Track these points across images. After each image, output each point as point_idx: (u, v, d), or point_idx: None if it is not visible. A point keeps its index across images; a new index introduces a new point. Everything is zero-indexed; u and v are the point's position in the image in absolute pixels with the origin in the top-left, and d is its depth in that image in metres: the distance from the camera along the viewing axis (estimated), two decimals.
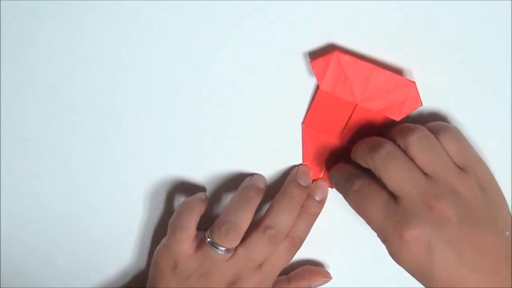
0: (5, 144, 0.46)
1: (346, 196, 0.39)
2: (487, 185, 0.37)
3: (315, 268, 0.46)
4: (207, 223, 0.42)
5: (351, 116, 0.40)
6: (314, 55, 0.39)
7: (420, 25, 0.37)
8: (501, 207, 0.37)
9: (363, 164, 0.38)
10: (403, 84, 0.38)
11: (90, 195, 0.47)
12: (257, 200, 0.41)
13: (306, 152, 0.42)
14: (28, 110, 0.44)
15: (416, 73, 0.38)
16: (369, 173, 0.38)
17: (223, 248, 0.41)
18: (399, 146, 0.37)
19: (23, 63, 0.43)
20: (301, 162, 0.43)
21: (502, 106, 0.38)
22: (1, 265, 0.50)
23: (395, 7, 0.37)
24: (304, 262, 0.47)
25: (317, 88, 0.40)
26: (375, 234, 0.37)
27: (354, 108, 0.39)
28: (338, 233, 0.45)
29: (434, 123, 0.38)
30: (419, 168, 0.36)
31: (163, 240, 0.43)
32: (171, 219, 0.42)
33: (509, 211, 0.37)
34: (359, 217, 0.38)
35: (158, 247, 0.44)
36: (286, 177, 0.43)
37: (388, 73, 0.38)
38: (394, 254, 0.36)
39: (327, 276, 0.46)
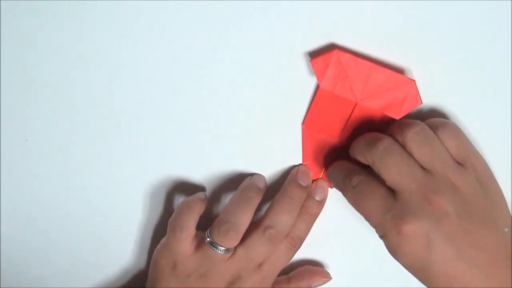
0: (5, 144, 0.46)
1: (344, 192, 0.39)
2: (486, 181, 0.37)
3: (315, 268, 0.46)
4: (207, 223, 0.42)
5: (351, 114, 0.40)
6: (314, 54, 0.39)
7: (420, 25, 0.37)
8: (500, 203, 0.37)
9: (362, 160, 0.38)
10: (403, 83, 0.38)
11: (90, 195, 0.47)
12: (257, 200, 0.41)
13: (306, 152, 0.42)
14: (28, 110, 0.44)
15: (416, 73, 0.38)
16: (367, 170, 0.38)
17: (223, 248, 0.41)
18: (397, 141, 0.37)
19: (23, 63, 0.43)
20: (301, 162, 0.43)
21: (501, 105, 0.38)
22: (1, 265, 0.50)
23: (395, 7, 0.37)
24: (304, 262, 0.47)
25: (317, 87, 0.40)
26: (375, 234, 0.37)
27: (354, 107, 0.39)
28: (338, 233, 0.45)
29: (433, 119, 0.38)
30: (418, 163, 0.36)
31: (163, 240, 0.43)
32: (170, 219, 0.42)
33: (508, 207, 0.37)
34: (359, 217, 0.38)
35: (158, 246, 0.44)
36: (286, 177, 0.43)
37: (388, 71, 0.38)
38: (392, 249, 0.36)
39: (327, 276, 0.46)
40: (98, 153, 0.45)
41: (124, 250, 0.49)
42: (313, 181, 0.43)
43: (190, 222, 0.42)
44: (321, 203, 0.43)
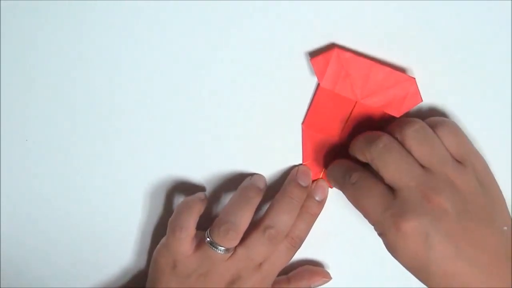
0: (5, 144, 0.46)
1: (343, 190, 0.39)
2: (485, 180, 0.37)
3: (314, 268, 0.46)
4: (207, 223, 0.42)
5: (351, 113, 0.40)
6: (314, 54, 0.39)
7: (420, 25, 0.37)
8: (498, 201, 0.37)
9: (361, 158, 0.38)
10: (403, 80, 0.38)
11: (90, 195, 0.47)
12: (256, 200, 0.41)
13: (306, 152, 0.42)
14: (28, 110, 0.44)
15: (416, 73, 0.38)
16: (367, 168, 0.38)
17: (223, 248, 0.41)
18: (396, 139, 0.37)
19: (23, 63, 0.43)
20: (301, 162, 0.43)
21: (501, 104, 0.38)
22: (1, 265, 0.50)
23: (395, 7, 0.37)
24: (304, 262, 0.47)
25: (317, 87, 0.40)
26: (375, 234, 0.37)
27: (354, 105, 0.39)
28: (338, 233, 0.45)
29: (432, 118, 0.38)
30: (417, 161, 0.36)
31: (163, 240, 0.43)
32: (170, 219, 0.42)
33: (507, 206, 0.38)
34: (359, 217, 0.38)
35: (158, 246, 0.44)
36: (286, 177, 0.43)
37: (388, 69, 0.38)
38: (391, 247, 0.36)
39: (326, 276, 0.46)
40: (98, 153, 0.45)
41: (124, 250, 0.49)
42: (313, 181, 0.43)
43: (190, 222, 0.42)
44: (321, 203, 0.43)
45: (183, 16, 0.39)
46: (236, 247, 0.42)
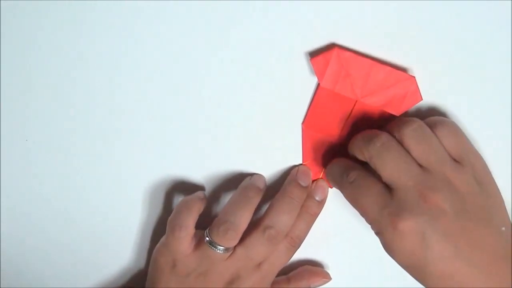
0: (5, 144, 0.46)
1: (341, 188, 0.39)
2: (483, 179, 0.37)
3: (314, 268, 0.46)
4: (206, 222, 0.42)
5: (351, 112, 0.40)
6: (314, 53, 0.39)
7: (420, 25, 0.37)
8: (497, 201, 0.37)
9: (359, 156, 0.38)
10: (403, 79, 0.38)
11: (90, 195, 0.47)
12: (256, 200, 0.41)
13: (306, 152, 0.42)
14: (28, 110, 0.44)
15: (416, 72, 0.38)
16: (365, 166, 0.38)
17: (222, 248, 0.41)
18: (395, 138, 0.37)
19: (23, 63, 0.43)
20: (301, 162, 0.43)
21: (501, 104, 0.38)
22: (1, 265, 0.50)
23: (395, 7, 0.37)
24: (304, 262, 0.47)
25: (317, 86, 0.40)
26: (374, 234, 0.37)
27: (354, 105, 0.39)
28: (337, 233, 0.45)
29: (431, 117, 0.38)
30: (415, 160, 0.36)
31: (162, 239, 0.43)
32: (170, 218, 0.42)
33: (505, 207, 0.37)
34: (358, 217, 0.38)
35: (157, 245, 0.44)
36: (286, 177, 0.43)
37: (388, 68, 0.38)
38: (388, 246, 0.36)
39: (326, 277, 0.46)
40: (98, 153, 0.45)
41: (124, 250, 0.49)
42: (313, 181, 0.43)
43: (189, 221, 0.42)
44: (321, 203, 0.43)
45: (183, 16, 0.39)
46: (235, 246, 0.42)
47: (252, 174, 0.44)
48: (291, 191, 0.42)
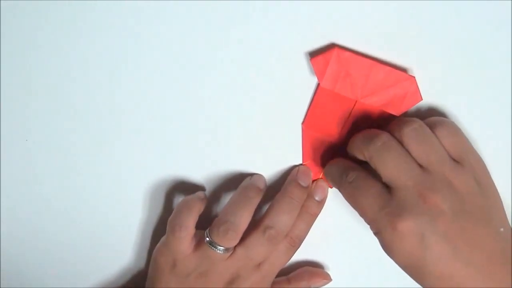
0: (5, 144, 0.46)
1: (340, 188, 0.39)
2: (482, 180, 0.37)
3: (314, 269, 0.46)
4: (206, 223, 0.42)
5: (351, 112, 0.40)
6: (314, 53, 0.39)
7: (420, 25, 0.37)
8: (496, 202, 0.37)
9: (359, 156, 0.38)
10: (403, 79, 0.38)
11: (90, 195, 0.47)
12: (256, 200, 0.41)
13: (306, 152, 0.42)
14: (28, 110, 0.44)
15: (416, 72, 0.38)
16: (364, 167, 0.38)
17: (222, 248, 0.41)
18: (395, 138, 0.37)
19: (23, 63, 0.43)
20: (301, 162, 0.43)
21: (501, 104, 0.38)
22: (1, 265, 0.50)
23: (395, 7, 0.37)
24: (304, 263, 0.47)
25: (317, 86, 0.40)
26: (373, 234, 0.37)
27: (354, 105, 0.39)
28: (338, 233, 0.45)
29: (431, 118, 0.38)
30: (415, 160, 0.36)
31: (163, 239, 0.43)
32: (170, 218, 0.42)
33: (503, 207, 0.37)
34: (358, 217, 0.38)
35: (157, 245, 0.44)
36: (286, 177, 0.43)
37: (388, 68, 0.38)
38: (387, 246, 0.36)
39: (326, 278, 0.46)
40: (98, 153, 0.45)
41: (124, 250, 0.49)
42: (313, 181, 0.43)
43: (190, 221, 0.42)
44: (321, 203, 0.43)
45: (183, 16, 0.39)
46: (235, 246, 0.42)
47: (252, 174, 0.44)
48: (291, 191, 0.42)
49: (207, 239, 0.41)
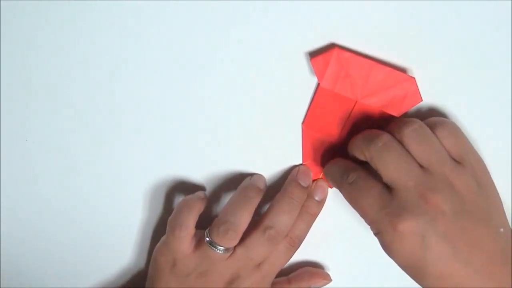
0: (5, 144, 0.46)
1: (341, 189, 0.39)
2: (483, 180, 0.37)
3: (314, 269, 0.46)
4: (206, 223, 0.42)
5: (351, 113, 0.40)
6: (314, 54, 0.39)
7: (420, 25, 0.37)
8: (495, 202, 0.37)
9: (360, 156, 0.38)
10: (403, 80, 0.38)
11: (90, 195, 0.47)
12: (256, 200, 0.41)
13: (306, 152, 0.42)
14: (28, 110, 0.44)
15: (416, 73, 0.38)
16: (365, 166, 0.38)
17: (222, 248, 0.41)
18: (395, 139, 0.37)
19: (23, 63, 0.43)
20: (301, 162, 0.43)
21: (501, 104, 0.38)
22: (1, 265, 0.50)
23: (395, 7, 0.37)
24: (305, 264, 0.47)
25: (317, 86, 0.40)
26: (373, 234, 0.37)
27: (354, 105, 0.39)
28: (338, 233, 0.45)
29: (431, 118, 0.38)
30: (416, 160, 0.36)
31: (163, 238, 0.43)
32: (170, 217, 0.42)
33: (503, 207, 0.37)
34: (358, 217, 0.38)
35: (157, 245, 0.44)
36: (286, 177, 0.43)
37: (388, 69, 0.38)
38: (387, 246, 0.36)
39: (327, 278, 0.46)
40: (98, 153, 0.45)
41: (124, 250, 0.49)
42: (313, 181, 0.43)
43: (190, 221, 0.42)
44: (321, 203, 0.43)
45: (183, 16, 0.39)
46: (235, 246, 0.42)
47: (252, 174, 0.44)
48: (291, 191, 0.42)
49: (207, 239, 0.41)
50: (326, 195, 0.43)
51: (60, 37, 0.41)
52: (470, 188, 0.36)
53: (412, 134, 0.36)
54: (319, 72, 0.38)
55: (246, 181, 0.43)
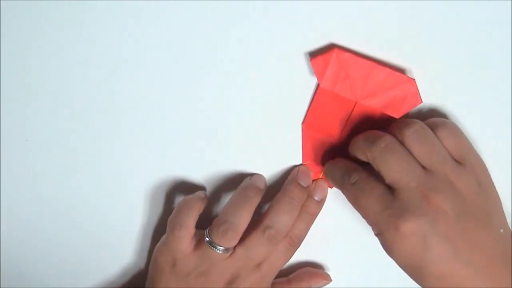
0: (5, 144, 0.46)
1: (342, 189, 0.39)
2: (483, 181, 0.37)
3: (314, 270, 0.46)
4: (206, 222, 0.42)
5: (351, 114, 0.40)
6: (314, 54, 0.39)
7: (420, 25, 0.37)
8: (495, 203, 0.37)
9: (361, 157, 0.38)
10: (403, 81, 0.38)
11: (90, 195, 0.47)
12: (256, 200, 0.41)
13: (306, 152, 0.42)
14: (28, 110, 0.44)
15: (416, 73, 0.38)
16: (365, 167, 0.38)
17: (222, 248, 0.41)
18: (397, 140, 0.37)
19: (23, 63, 0.43)
20: (301, 162, 0.43)
21: (501, 104, 0.38)
22: (1, 265, 0.50)
23: (395, 7, 0.37)
24: (304, 264, 0.47)
25: (317, 87, 0.40)
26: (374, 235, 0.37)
27: (354, 106, 0.39)
28: (338, 234, 0.45)
29: (432, 119, 0.38)
30: (417, 161, 0.36)
31: (163, 238, 0.43)
32: (170, 217, 0.42)
33: (502, 208, 0.38)
34: (359, 217, 0.38)
35: (158, 244, 0.44)
36: (286, 177, 0.43)
37: (388, 70, 0.38)
38: (388, 247, 0.36)
39: (327, 278, 0.46)
40: (98, 153, 0.45)
41: (124, 250, 0.49)
42: (313, 181, 0.43)
43: (190, 221, 0.42)
44: (321, 203, 0.43)
45: (183, 16, 0.39)
46: (235, 246, 0.42)
47: (252, 174, 0.44)
48: (291, 191, 0.42)
49: (207, 239, 0.41)
50: (326, 195, 0.43)
51: (60, 37, 0.41)
52: (471, 188, 0.36)
53: (413, 135, 0.36)
54: (319, 72, 0.38)
55: (246, 181, 0.43)
